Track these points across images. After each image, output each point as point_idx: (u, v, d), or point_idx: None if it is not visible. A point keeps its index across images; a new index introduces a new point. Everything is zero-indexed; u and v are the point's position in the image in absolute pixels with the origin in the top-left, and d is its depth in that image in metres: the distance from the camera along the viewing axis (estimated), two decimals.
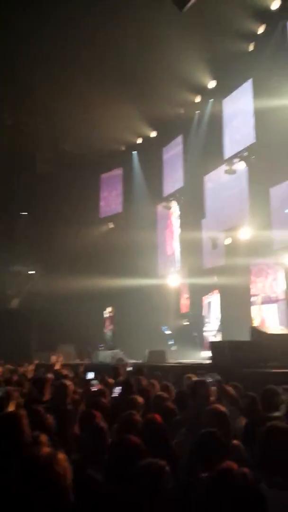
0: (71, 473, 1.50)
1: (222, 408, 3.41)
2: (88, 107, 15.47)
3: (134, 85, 14.75)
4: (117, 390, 5.78)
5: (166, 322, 15.77)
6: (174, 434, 3.56)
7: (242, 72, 14.01)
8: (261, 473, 2.20)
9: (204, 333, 14.68)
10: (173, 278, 16.65)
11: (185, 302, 16.42)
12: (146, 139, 18.83)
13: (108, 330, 15.14)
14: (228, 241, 14.01)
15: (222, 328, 13.73)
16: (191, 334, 14.32)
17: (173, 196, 17.60)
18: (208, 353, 9.76)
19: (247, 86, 14.04)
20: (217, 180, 15.41)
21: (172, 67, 14.07)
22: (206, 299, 15.16)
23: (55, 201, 18.88)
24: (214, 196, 15.56)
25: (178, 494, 2.26)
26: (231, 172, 13.97)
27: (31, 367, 9.36)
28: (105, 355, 13.85)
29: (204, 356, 11.85)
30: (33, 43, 12.50)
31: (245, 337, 8.85)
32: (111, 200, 20.79)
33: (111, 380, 6.65)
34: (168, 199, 17.69)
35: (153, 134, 18.57)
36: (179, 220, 17.43)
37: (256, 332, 8.63)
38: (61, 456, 1.49)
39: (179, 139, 17.66)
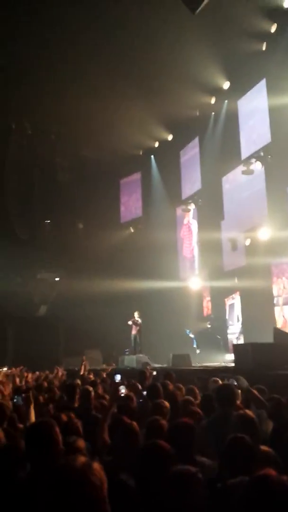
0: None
1: (251, 413, 3.38)
2: (104, 113, 15.71)
3: (149, 89, 14.91)
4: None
5: (189, 325, 15.77)
6: (200, 438, 3.61)
7: (255, 72, 13.99)
8: None
9: (228, 336, 14.67)
10: (194, 280, 16.68)
11: (207, 305, 16.44)
12: (163, 142, 18.94)
13: (133, 333, 15.22)
14: (247, 242, 13.98)
15: (245, 330, 13.70)
16: (215, 337, 14.33)
17: (191, 198, 17.65)
18: (232, 356, 9.78)
19: (261, 86, 14.01)
20: (234, 181, 15.41)
21: (186, 70, 14.17)
22: (228, 301, 15.15)
23: (76, 207, 19.15)
24: (232, 197, 15.56)
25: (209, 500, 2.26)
26: (248, 172, 13.96)
27: (60, 373, 9.53)
28: (130, 360, 13.97)
29: (229, 358, 11.86)
30: (49, 51, 12.77)
31: (269, 338, 8.84)
32: (131, 204, 20.96)
33: (138, 385, 6.74)
34: (186, 201, 17.74)
35: (170, 137, 18.68)
36: (197, 222, 17.45)
37: (279, 334, 8.63)
38: (97, 465, 1.40)
39: (196, 141, 17.71)
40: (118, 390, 5.87)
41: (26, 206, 18.99)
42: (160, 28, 12.34)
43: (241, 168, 14.24)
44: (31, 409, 4.10)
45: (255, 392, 4.67)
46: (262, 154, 13.71)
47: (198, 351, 13.70)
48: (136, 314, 15.30)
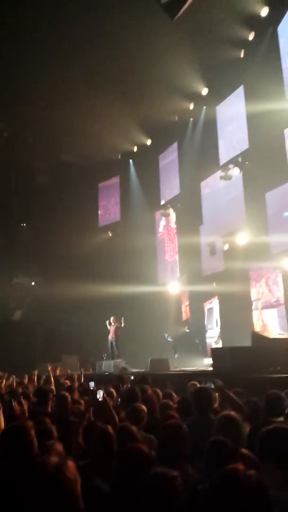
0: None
1: (234, 415, 3.37)
2: (83, 117, 15.64)
3: (128, 94, 14.93)
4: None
5: (168, 329, 15.75)
6: None
7: (234, 79, 14.18)
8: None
9: (206, 340, 14.70)
10: (173, 285, 16.69)
11: (185, 309, 16.46)
12: (142, 147, 18.97)
13: (110, 338, 15.09)
14: (226, 246, 14.07)
15: (223, 334, 13.76)
16: (193, 341, 14.34)
17: (170, 203, 17.69)
18: (210, 360, 9.79)
19: (239, 92, 14.20)
20: (213, 186, 15.52)
21: (165, 75, 14.24)
22: (206, 306, 15.20)
23: (54, 211, 18.97)
24: (211, 202, 15.66)
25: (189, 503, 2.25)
26: (226, 178, 14.08)
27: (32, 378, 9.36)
28: (108, 365, 13.85)
29: (207, 363, 11.88)
30: (28, 54, 12.65)
31: (247, 342, 8.88)
32: (109, 208, 20.89)
33: (114, 390, 6.67)
34: (165, 206, 17.77)
35: (149, 142, 18.72)
36: (176, 227, 17.49)
37: (257, 338, 8.67)
38: (71, 463, 1.46)
39: (174, 146, 17.80)
40: (94, 395, 5.81)
41: (3, 209, 18.73)
42: (140, 33, 12.39)
43: (220, 173, 14.35)
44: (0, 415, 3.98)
45: (232, 394, 4.66)
46: (240, 159, 13.86)
47: (176, 355, 13.67)
48: (112, 319, 15.20)
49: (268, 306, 12.56)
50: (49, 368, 8.97)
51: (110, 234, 19.60)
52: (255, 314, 12.77)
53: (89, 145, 17.66)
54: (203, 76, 14.99)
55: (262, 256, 12.50)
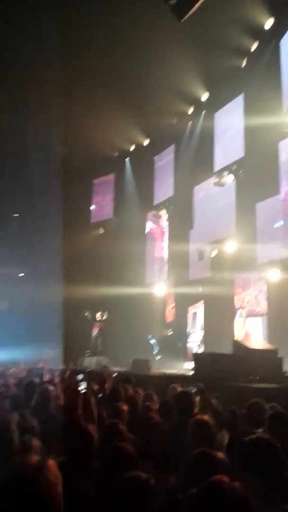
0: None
1: (207, 418, 3.42)
2: (83, 112, 15.63)
3: (129, 93, 14.96)
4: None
5: (152, 331, 15.86)
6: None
7: (234, 87, 14.31)
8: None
9: (188, 344, 14.84)
10: (160, 287, 16.80)
11: (170, 312, 16.58)
12: (139, 146, 19.03)
13: (94, 334, 15.17)
14: (214, 253, 14.21)
15: (206, 340, 13.91)
16: (176, 344, 14.45)
17: (163, 204, 17.79)
18: (191, 364, 9.91)
19: (239, 101, 14.34)
20: (206, 192, 15.65)
21: (167, 78, 14.32)
22: (191, 310, 15.34)
23: (46, 203, 18.91)
24: (203, 207, 15.79)
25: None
26: (220, 184, 14.21)
27: (22, 370, 9.37)
28: (90, 361, 13.91)
29: (187, 367, 12.01)
30: (28, 47, 12.61)
31: (228, 349, 9.02)
32: (102, 205, 20.91)
33: (96, 387, 6.74)
34: (158, 207, 17.87)
35: (146, 142, 18.79)
36: (167, 229, 17.60)
37: (238, 346, 8.81)
38: (51, 463, 1.39)
39: (171, 149, 17.88)
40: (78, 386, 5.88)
41: None
42: (145, 36, 12.42)
43: (214, 179, 14.49)
44: None
45: (212, 400, 4.77)
46: (234, 167, 14.01)
47: (158, 357, 13.79)
48: (98, 314, 15.25)
49: (253, 314, 12.73)
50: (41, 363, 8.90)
51: (102, 231, 19.64)
52: (239, 322, 12.93)
53: (87, 140, 17.65)
54: (204, 82, 15.11)
55: (248, 265, 12.68)
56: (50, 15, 11.55)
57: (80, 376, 7.84)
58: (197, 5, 8.41)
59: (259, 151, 12.61)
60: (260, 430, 3.63)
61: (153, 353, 14.77)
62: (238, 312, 13.07)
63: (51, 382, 7.01)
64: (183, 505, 2.13)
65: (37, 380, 7.32)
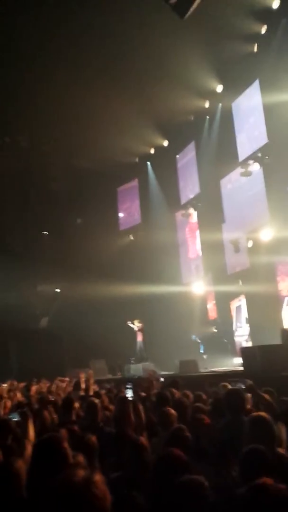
0: (110, 495, 1.40)
1: (264, 415, 3.31)
2: (99, 121, 15.71)
3: (142, 96, 14.94)
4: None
5: (194, 330, 15.64)
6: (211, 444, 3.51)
7: (248, 73, 14.03)
8: None
9: (236, 339, 14.50)
10: (198, 285, 16.55)
11: (212, 309, 16.29)
12: (159, 148, 18.94)
13: (139, 341, 15.13)
14: (250, 243, 13.88)
15: (253, 333, 13.54)
16: (222, 341, 14.17)
17: (190, 203, 17.58)
18: (240, 360, 9.63)
19: (255, 87, 14.03)
20: (234, 183, 15.35)
21: (179, 75, 14.17)
22: (234, 304, 15.00)
23: (74, 217, 19.12)
24: (232, 199, 15.49)
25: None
26: (246, 174, 13.91)
27: (65, 385, 9.34)
28: (136, 368, 13.82)
29: (237, 362, 11.71)
30: (44, 62, 12.77)
31: (277, 340, 8.70)
32: (129, 212, 20.92)
33: (143, 394, 6.61)
34: (186, 206, 17.68)
35: (165, 143, 18.68)
36: (198, 226, 17.35)
37: (287, 335, 8.49)
38: (98, 477, 1.39)
39: (192, 146, 17.69)
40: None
41: (21, 218, 18.94)
42: (152, 34, 12.37)
43: (239, 170, 14.19)
44: (29, 425, 3.94)
45: (265, 395, 4.56)
46: (259, 155, 13.67)
47: (205, 356, 13.55)
48: (136, 322, 15.25)
49: None
50: (82, 375, 8.85)
51: (132, 237, 19.62)
52: (286, 311, 12.43)
53: (106, 150, 17.72)
54: (217, 73, 14.89)
55: (287, 251, 12.28)
56: (64, 24, 11.66)
57: (128, 385, 7.73)
58: (197, 1, 8.30)
59: (283, 135, 12.25)
60: None
61: (200, 352, 14.53)
62: (286, 300, 12.54)
63: (96, 393, 6.90)
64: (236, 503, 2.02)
65: (81, 393, 7.23)
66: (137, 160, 19.88)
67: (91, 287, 16.18)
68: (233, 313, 15.01)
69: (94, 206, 19.24)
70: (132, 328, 15.35)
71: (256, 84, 13.97)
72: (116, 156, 18.62)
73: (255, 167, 13.77)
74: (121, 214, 21.09)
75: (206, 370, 11.30)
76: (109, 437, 4.07)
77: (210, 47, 13.30)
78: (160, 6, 9.47)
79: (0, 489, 2.41)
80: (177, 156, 18.62)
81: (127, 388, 7.04)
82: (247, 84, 14.33)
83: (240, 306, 14.70)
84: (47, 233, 19.70)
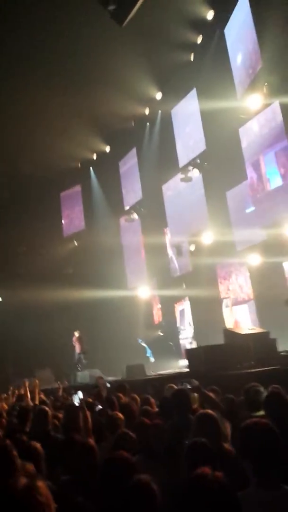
0: (54, 500, 1.41)
1: (210, 412, 3.40)
2: (40, 127, 15.47)
3: (83, 102, 14.90)
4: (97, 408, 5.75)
5: (140, 334, 15.74)
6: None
7: (186, 81, 14.44)
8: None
9: (181, 341, 14.76)
10: (143, 289, 16.70)
11: (157, 312, 16.49)
12: (101, 154, 18.96)
13: (78, 353, 15.17)
14: (192, 247, 14.21)
15: (197, 334, 13.85)
16: (167, 344, 14.36)
17: (134, 208, 17.73)
18: (186, 361, 9.82)
19: (192, 95, 14.45)
20: (174, 189, 15.67)
21: (120, 81, 14.27)
22: (178, 307, 15.27)
23: (16, 224, 18.63)
24: (173, 204, 15.80)
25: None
26: (187, 180, 14.26)
27: (11, 397, 9.07)
28: (83, 376, 13.69)
29: (182, 364, 11.93)
30: None
31: (220, 340, 8.96)
32: (73, 218, 20.70)
33: (90, 400, 6.58)
34: (129, 211, 17.78)
35: (107, 148, 18.73)
36: (141, 231, 17.50)
37: (229, 334, 8.76)
38: (41, 483, 1.40)
39: (133, 152, 17.86)
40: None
41: None
42: (91, 40, 12.37)
43: (180, 175, 14.51)
44: None
45: (208, 393, 4.69)
46: (198, 161, 14.06)
47: (152, 359, 13.65)
48: (76, 334, 15.25)
49: (238, 302, 12.74)
50: (27, 384, 8.63)
51: (76, 243, 19.44)
52: (227, 311, 12.92)
53: (47, 155, 17.46)
54: (156, 81, 15.17)
55: (228, 253, 12.71)
56: (2, 21, 11.37)
57: (80, 394, 7.63)
58: (135, 8, 8.40)
59: (220, 141, 12.69)
60: (261, 413, 3.59)
61: (146, 356, 14.64)
62: (224, 302, 13.05)
63: (43, 402, 6.78)
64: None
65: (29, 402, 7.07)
66: (79, 165, 19.77)
67: (35, 294, 15.84)
68: (179, 314, 15.28)
69: (38, 213, 18.88)
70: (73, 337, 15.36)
71: (193, 92, 14.38)
72: (59, 161, 18.42)
73: (194, 173, 14.14)
74: (64, 220, 20.78)
75: (153, 374, 11.40)
76: (59, 444, 4.05)
77: (149, 55, 13.52)
78: (100, 13, 9.55)
79: None
80: (120, 162, 18.72)
81: (74, 395, 6.96)
82: (185, 92, 14.73)
83: (183, 310, 15.01)
84: None
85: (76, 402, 5.64)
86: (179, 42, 13.58)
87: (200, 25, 13.22)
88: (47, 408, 5.02)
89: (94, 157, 19.23)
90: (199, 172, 14.02)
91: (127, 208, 18.10)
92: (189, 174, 14.17)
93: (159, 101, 15.97)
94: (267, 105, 11.09)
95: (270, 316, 10.40)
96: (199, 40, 13.72)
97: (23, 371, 14.21)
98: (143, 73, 14.33)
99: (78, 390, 8.59)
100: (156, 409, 5.04)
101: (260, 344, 8.00)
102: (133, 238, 17.88)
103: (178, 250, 14.78)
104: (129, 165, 18.24)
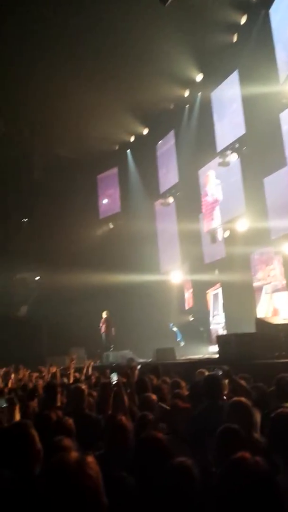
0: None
1: (245, 400, 3.42)
2: (79, 109, 15.58)
3: (122, 84, 14.83)
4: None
5: (171, 318, 15.85)
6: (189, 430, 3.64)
7: (228, 64, 14.10)
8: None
9: (212, 327, 14.77)
10: (176, 274, 16.74)
11: (189, 298, 16.51)
12: (139, 136, 18.89)
13: (103, 333, 15.55)
14: (226, 234, 14.08)
15: (228, 321, 13.81)
16: (198, 329, 14.41)
17: (169, 191, 17.67)
18: (216, 347, 9.86)
19: (234, 77, 14.12)
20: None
21: (159, 63, 14.14)
22: (211, 292, 15.23)
23: (53, 206, 18.97)
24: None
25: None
26: (224, 164, 14.04)
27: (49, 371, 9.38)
28: (115, 356, 13.98)
29: (212, 350, 11.95)
30: (20, 50, 12.57)
31: (252, 329, 8.94)
32: (109, 200, 20.86)
33: (124, 380, 6.72)
34: (165, 195, 17.75)
35: (145, 131, 18.63)
36: (176, 215, 17.45)
37: (261, 324, 8.73)
38: (91, 459, 1.42)
39: (171, 134, 17.71)
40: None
41: (2, 206, 18.70)
42: (132, 22, 12.26)
43: (218, 160, 14.31)
44: (15, 411, 4.03)
45: (240, 380, 4.72)
46: (237, 145, 13.81)
47: (182, 344, 13.74)
48: (104, 314, 15.70)
49: (279, 289, 12.40)
50: (73, 356, 8.83)
51: (111, 226, 19.63)
52: (266, 298, 12.61)
53: (85, 137, 17.59)
54: (197, 62, 14.89)
55: (263, 241, 12.53)
56: (41, 13, 11.49)
57: (114, 376, 7.80)
58: None
59: (261, 125, 12.40)
60: None
61: (177, 340, 14.77)
62: (264, 288, 12.75)
63: (76, 380, 7.00)
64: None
65: (65, 380, 7.32)
66: (117, 148, 19.79)
67: (71, 275, 16.18)
68: (211, 301, 15.25)
69: (74, 194, 19.13)
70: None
71: (235, 75, 14.06)
72: (96, 144, 18.52)
73: (233, 157, 13.91)
74: (105, 201, 20.96)
75: (183, 358, 11.51)
76: (93, 421, 4.19)
77: (190, 36, 13.28)
78: None
79: None
80: (157, 144, 18.61)
81: (112, 373, 7.14)
82: (227, 74, 14.41)
83: (217, 294, 14.92)
84: (26, 220, 19.50)
85: (113, 380, 5.79)
86: (222, 22, 13.25)
87: (245, 4, 12.86)
88: (83, 386, 5.17)
89: (132, 139, 19.18)
90: (238, 156, 13.79)
91: (162, 191, 18.05)
92: (227, 159, 13.94)
93: (199, 83, 15.69)
94: None
95: None
96: (243, 20, 13.34)
97: (57, 349, 14.64)
98: (184, 54, 14.10)
99: (112, 369, 8.81)
100: (186, 393, 5.11)
101: None
102: (168, 222, 17.85)
103: (212, 237, 14.68)
104: (167, 148, 18.12)
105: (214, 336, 13.26)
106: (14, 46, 12.48)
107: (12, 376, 8.70)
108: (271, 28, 12.26)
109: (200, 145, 15.53)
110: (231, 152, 13.92)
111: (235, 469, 1.45)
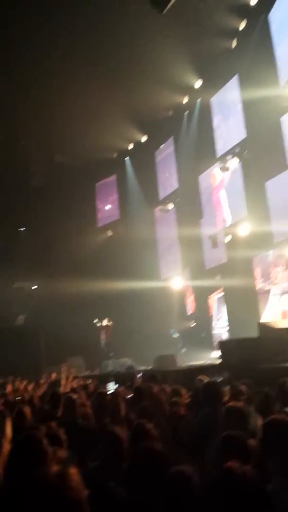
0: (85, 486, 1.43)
1: (239, 405, 3.35)
2: (77, 117, 15.51)
3: (121, 91, 14.80)
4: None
5: (172, 325, 15.68)
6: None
7: (227, 69, 14.09)
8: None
9: (214, 332, 14.57)
10: (176, 280, 16.58)
11: (191, 303, 16.34)
12: (137, 144, 18.85)
13: (102, 341, 15.37)
14: (228, 238, 13.94)
15: (231, 326, 13.62)
16: (199, 335, 14.23)
17: (168, 198, 17.57)
18: (218, 353, 9.67)
19: (234, 82, 14.08)
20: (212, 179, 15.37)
21: (157, 70, 14.11)
22: (213, 298, 15.05)
23: (52, 214, 18.87)
24: (210, 194, 15.51)
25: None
26: (225, 169, 13.96)
27: (44, 382, 9.22)
28: (114, 364, 13.79)
29: (214, 356, 11.75)
30: (20, 57, 12.54)
31: (254, 333, 8.75)
32: (108, 207, 20.78)
33: (122, 388, 6.59)
34: (164, 201, 17.65)
35: (144, 138, 18.59)
36: (176, 222, 17.33)
37: (264, 328, 8.56)
38: (73, 470, 1.42)
39: (170, 141, 17.67)
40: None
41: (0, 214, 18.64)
42: (130, 29, 12.25)
43: (218, 165, 14.22)
44: (6, 424, 3.86)
45: (242, 387, 4.58)
46: (238, 150, 13.73)
47: (183, 350, 13.56)
48: (105, 321, 15.49)
49: (285, 292, 12.12)
50: (62, 370, 8.69)
51: (110, 233, 19.51)
52: (275, 300, 12.36)
53: (84, 145, 17.53)
54: (196, 68, 14.87)
55: (265, 245, 12.36)
56: (42, 20, 11.45)
57: (112, 385, 7.66)
58: None
59: (261, 130, 12.32)
60: None
61: (178, 346, 14.57)
62: (272, 290, 12.50)
63: (74, 390, 6.82)
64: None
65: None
66: (115, 155, 19.75)
67: (69, 283, 16.03)
68: (214, 304, 15.03)
69: (73, 202, 19.05)
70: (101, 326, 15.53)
71: (234, 80, 14.02)
72: (95, 151, 18.46)
73: (233, 162, 13.82)
74: (99, 210, 20.88)
75: (184, 364, 11.32)
76: (86, 431, 4.05)
77: (189, 42, 13.27)
78: (139, 2, 9.43)
79: None
80: (156, 151, 18.56)
81: (109, 383, 7.00)
82: (226, 79, 14.38)
83: (221, 298, 14.69)
84: (24, 229, 19.41)
85: (110, 390, 5.65)
86: (221, 28, 13.25)
87: (243, 10, 12.83)
88: (74, 396, 5.05)
89: (130, 146, 19.14)
90: (239, 161, 13.69)
91: (162, 198, 17.96)
92: (228, 164, 13.85)
93: (199, 89, 15.66)
94: None
95: None
96: (242, 26, 13.32)
97: (55, 358, 14.45)
98: (183, 60, 14.08)
99: (110, 378, 8.65)
100: (187, 400, 4.97)
101: None
102: (167, 229, 17.74)
103: (213, 241, 14.52)
104: (166, 154, 18.06)
105: (216, 341, 13.05)
106: (13, 53, 12.45)
107: (9, 386, 8.52)
108: (270, 33, 12.22)
109: (200, 151, 15.47)
110: (232, 157, 13.84)
111: (223, 479, 1.46)
